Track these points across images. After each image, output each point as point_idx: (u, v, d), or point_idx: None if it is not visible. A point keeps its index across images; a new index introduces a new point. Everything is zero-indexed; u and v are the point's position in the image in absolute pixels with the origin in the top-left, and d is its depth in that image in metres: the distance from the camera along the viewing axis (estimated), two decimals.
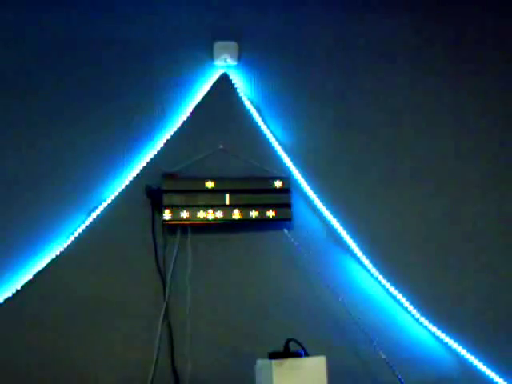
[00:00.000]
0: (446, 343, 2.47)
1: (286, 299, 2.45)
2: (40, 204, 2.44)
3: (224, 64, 2.64)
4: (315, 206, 2.56)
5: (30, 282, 2.35)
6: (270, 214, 2.46)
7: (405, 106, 2.72)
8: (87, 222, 2.43)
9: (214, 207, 2.45)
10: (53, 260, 2.38)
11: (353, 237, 2.54)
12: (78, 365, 2.32)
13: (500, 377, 2.45)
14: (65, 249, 2.40)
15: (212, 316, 2.41)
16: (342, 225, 2.54)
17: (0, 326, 2.32)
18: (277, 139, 2.61)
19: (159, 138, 2.55)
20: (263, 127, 2.61)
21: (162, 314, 2.38)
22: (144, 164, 2.51)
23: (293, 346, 1.99)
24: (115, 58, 2.63)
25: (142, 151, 2.54)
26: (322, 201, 2.56)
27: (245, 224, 2.48)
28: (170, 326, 2.38)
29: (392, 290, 2.49)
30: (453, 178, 2.66)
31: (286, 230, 2.45)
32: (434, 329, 2.47)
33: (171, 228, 2.46)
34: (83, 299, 2.38)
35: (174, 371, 2.34)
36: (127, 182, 2.49)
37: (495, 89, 2.78)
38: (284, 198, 2.50)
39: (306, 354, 1.99)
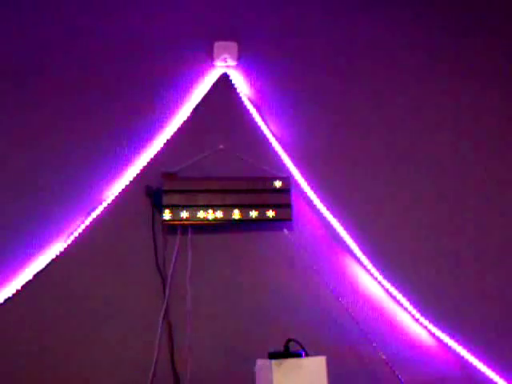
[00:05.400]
0: (446, 343, 2.47)
1: (286, 299, 2.45)
2: (40, 203, 2.44)
3: (224, 64, 2.64)
4: (315, 206, 2.56)
5: (29, 282, 2.35)
6: (270, 213, 2.46)
7: (405, 106, 2.72)
8: (87, 222, 2.43)
9: (214, 207, 2.45)
10: (53, 260, 2.38)
11: (353, 237, 2.54)
12: (78, 365, 2.32)
13: (500, 377, 2.45)
14: (65, 249, 2.40)
15: (212, 316, 2.41)
16: (342, 225, 2.54)
17: (0, 326, 2.32)
18: (277, 139, 2.61)
19: (159, 137, 2.56)
20: (263, 127, 2.61)
21: (162, 314, 2.38)
22: (144, 164, 2.51)
23: (293, 346, 1.99)
24: (115, 58, 2.63)
25: (142, 151, 2.54)
26: (322, 201, 2.56)
27: (245, 224, 2.48)
28: (170, 326, 2.38)
29: (392, 289, 2.49)
30: (453, 178, 2.66)
31: (286, 230, 2.45)
32: (434, 329, 2.47)
33: (171, 228, 2.46)
34: (83, 299, 2.38)
35: (174, 371, 2.34)
36: (127, 182, 2.49)
37: (497, 87, 2.78)
38: (284, 198, 2.50)
39: (306, 354, 1.99)
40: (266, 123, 2.62)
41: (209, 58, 2.66)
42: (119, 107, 2.57)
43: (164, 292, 2.40)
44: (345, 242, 2.53)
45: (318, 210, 2.55)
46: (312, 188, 2.57)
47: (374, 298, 2.50)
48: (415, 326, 2.48)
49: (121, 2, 2.70)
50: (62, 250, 2.40)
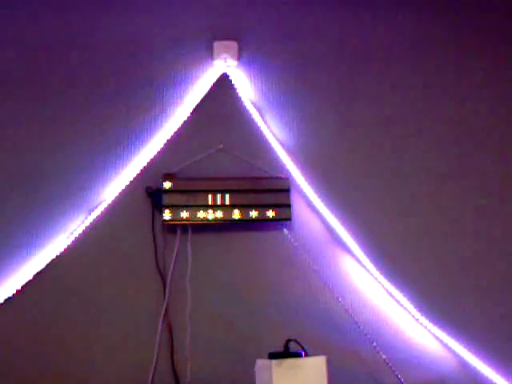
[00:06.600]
0: (446, 343, 2.47)
1: (286, 299, 2.45)
2: (40, 204, 2.44)
3: (224, 64, 2.64)
4: (315, 206, 2.56)
5: (30, 281, 2.35)
6: (270, 214, 2.46)
7: (406, 106, 2.72)
8: (87, 222, 2.43)
9: (214, 207, 2.45)
10: (53, 260, 2.38)
11: (353, 237, 2.54)
12: (78, 365, 2.32)
13: (500, 377, 2.45)
14: (65, 249, 2.40)
15: (212, 316, 2.41)
16: (341, 224, 2.54)
17: (0, 326, 2.32)
18: (277, 139, 2.61)
19: (159, 137, 2.56)
20: (263, 127, 2.61)
21: (162, 314, 2.38)
22: (144, 164, 2.51)
23: (293, 346, 1.99)
24: (115, 58, 2.63)
25: (142, 151, 2.54)
26: (322, 201, 2.56)
27: (245, 224, 2.48)
28: (170, 326, 2.38)
29: (392, 289, 2.49)
30: (454, 178, 2.66)
31: (285, 230, 2.45)
32: (433, 329, 2.47)
33: (171, 228, 2.46)
34: (83, 299, 2.38)
35: (174, 371, 2.34)
36: (127, 182, 2.49)
37: (497, 87, 2.78)
38: (284, 198, 2.50)
39: (306, 354, 1.99)
40: (266, 123, 2.62)
41: (209, 58, 2.66)
42: (119, 107, 2.57)
43: (164, 292, 2.40)
44: (344, 242, 2.53)
45: (318, 210, 2.55)
46: (312, 188, 2.57)
47: (373, 298, 2.49)
48: (415, 325, 2.48)
49: (121, 1, 2.70)
50: (62, 249, 2.40)
